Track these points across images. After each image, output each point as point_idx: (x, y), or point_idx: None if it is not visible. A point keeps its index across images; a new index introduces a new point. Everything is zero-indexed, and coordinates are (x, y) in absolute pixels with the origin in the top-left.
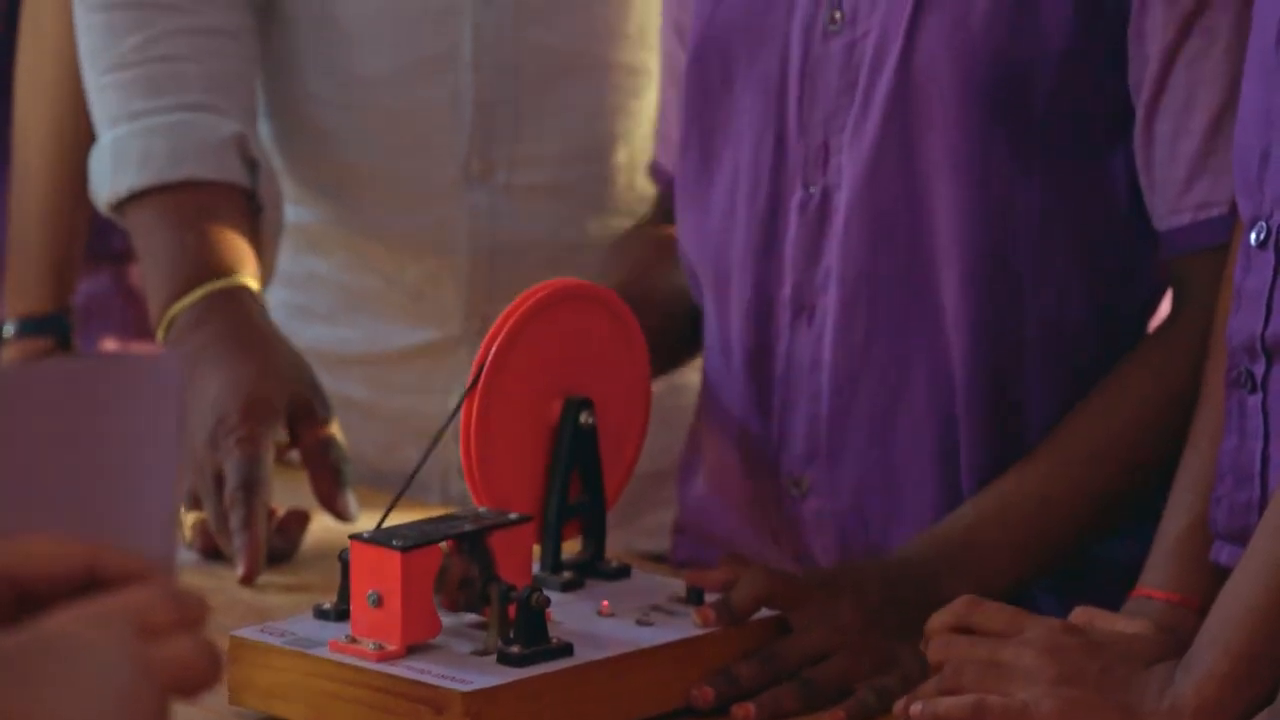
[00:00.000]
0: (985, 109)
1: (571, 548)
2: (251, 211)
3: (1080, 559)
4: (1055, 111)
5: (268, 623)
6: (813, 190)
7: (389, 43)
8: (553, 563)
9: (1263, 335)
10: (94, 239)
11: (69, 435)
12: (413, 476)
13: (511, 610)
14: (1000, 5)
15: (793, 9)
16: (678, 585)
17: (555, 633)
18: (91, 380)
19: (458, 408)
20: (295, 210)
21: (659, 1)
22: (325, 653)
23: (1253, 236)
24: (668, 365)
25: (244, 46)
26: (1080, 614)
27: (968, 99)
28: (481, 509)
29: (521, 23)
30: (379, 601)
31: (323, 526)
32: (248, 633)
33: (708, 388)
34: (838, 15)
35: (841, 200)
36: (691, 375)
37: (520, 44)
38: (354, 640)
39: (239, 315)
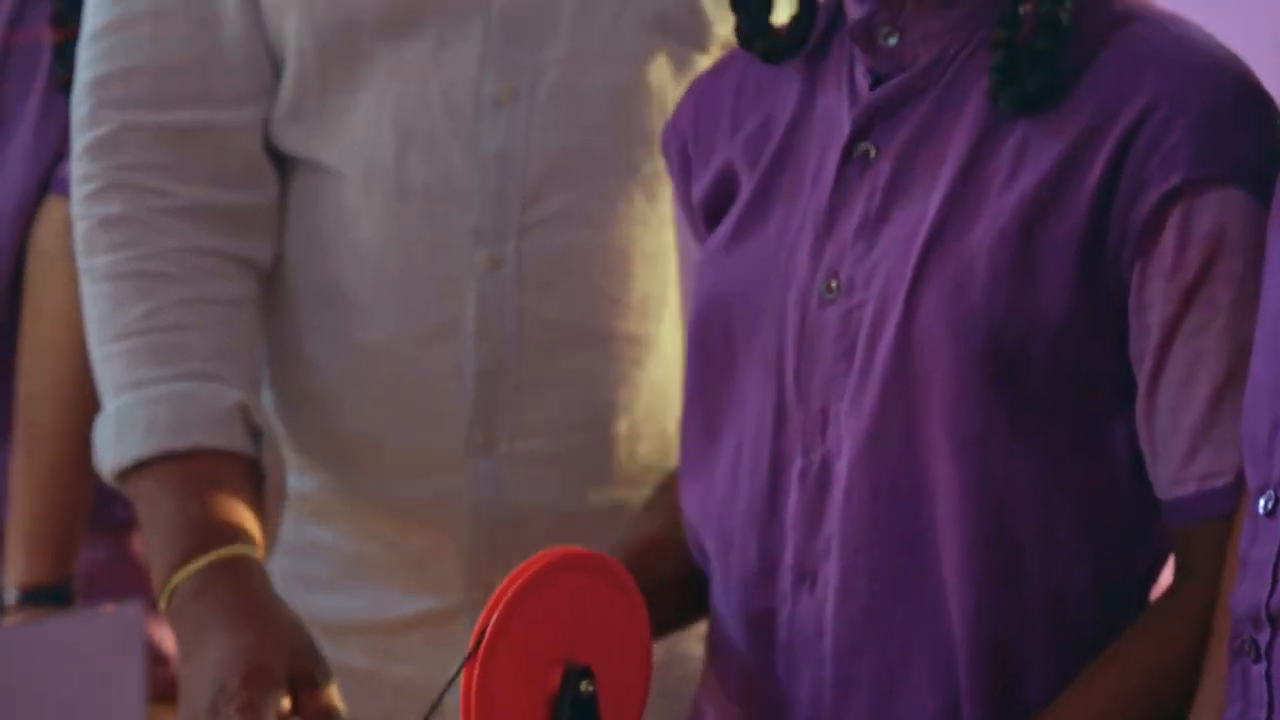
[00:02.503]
0: (984, 379)
1: None
2: (254, 480)
3: None
4: (1055, 382)
5: None
6: (812, 457)
7: (392, 312)
8: None
9: (1268, 603)
10: (96, 507)
11: (36, 692)
12: None
13: None
14: (999, 276)
15: (790, 277)
16: None
17: None
18: (54, 638)
19: (457, 673)
20: (297, 478)
21: (661, 271)
22: None
23: (1260, 504)
24: (685, 615)
25: (247, 316)
26: None
27: (966, 369)
28: None
29: (525, 293)
30: None
31: None
32: None
33: (711, 653)
34: (834, 284)
35: (841, 468)
36: (693, 645)
37: (523, 314)
38: None
39: (240, 584)
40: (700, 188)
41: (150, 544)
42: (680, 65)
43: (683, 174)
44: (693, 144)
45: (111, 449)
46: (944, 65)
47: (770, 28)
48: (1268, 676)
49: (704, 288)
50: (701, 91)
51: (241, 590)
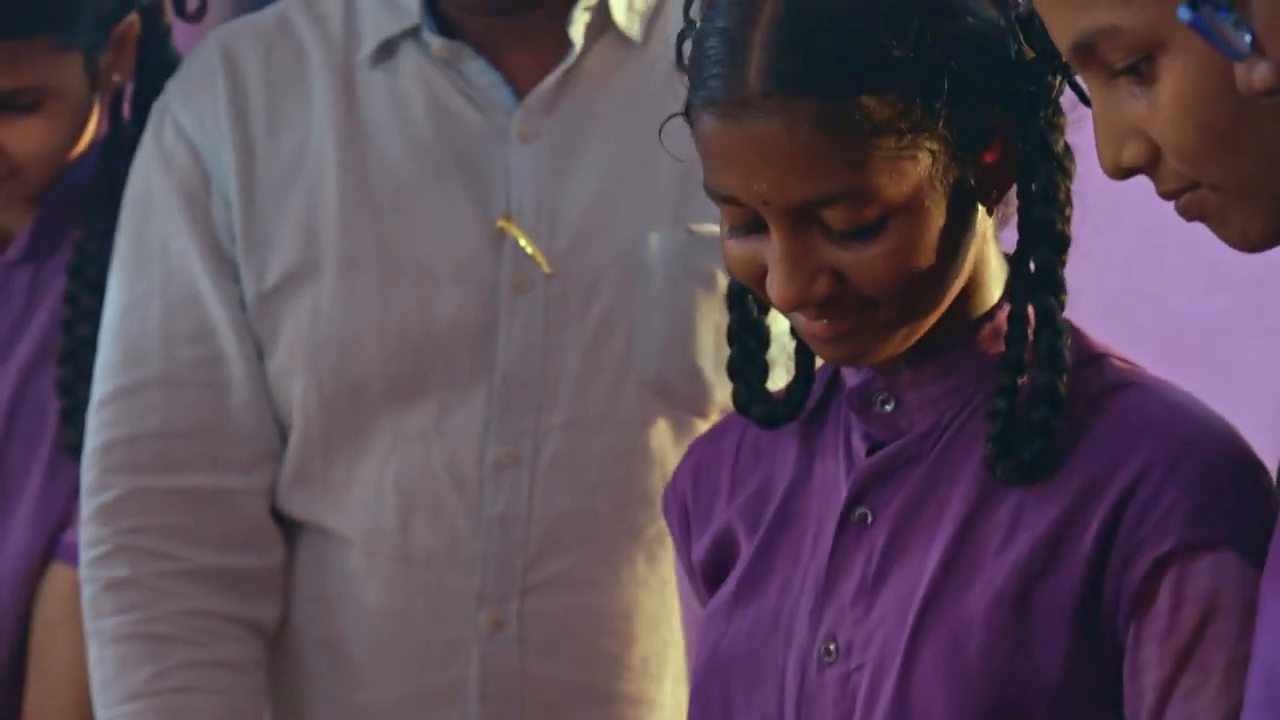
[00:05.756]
0: None
1: None
2: None
3: None
4: None
5: None
6: None
7: (396, 675)
8: None
9: None
10: None
11: None
12: None
13: None
14: (996, 638)
15: (790, 640)
16: None
17: None
18: None
19: None
20: None
21: (662, 632)
22: None
23: None
24: None
25: (252, 680)
26: None
27: None
28: None
29: (527, 654)
30: None
31: None
32: None
33: None
34: (833, 647)
35: None
36: None
37: (526, 675)
38: None
39: None
40: (700, 550)
41: None
42: (680, 430)
43: (683, 535)
44: (692, 506)
45: None
46: (939, 431)
47: (767, 395)
48: None
49: (706, 648)
50: (700, 454)
51: None
